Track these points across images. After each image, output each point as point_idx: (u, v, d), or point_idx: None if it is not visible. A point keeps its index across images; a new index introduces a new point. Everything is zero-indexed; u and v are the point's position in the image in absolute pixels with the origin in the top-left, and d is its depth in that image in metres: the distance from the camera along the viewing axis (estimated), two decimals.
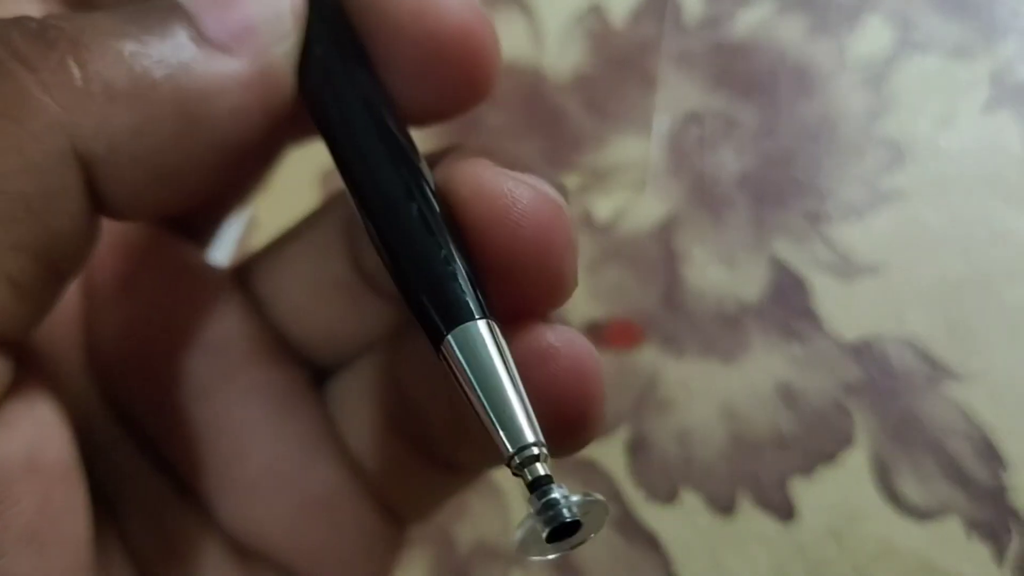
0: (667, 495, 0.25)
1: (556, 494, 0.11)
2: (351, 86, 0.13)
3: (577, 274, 0.12)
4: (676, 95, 0.31)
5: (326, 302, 0.16)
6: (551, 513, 0.10)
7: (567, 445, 0.12)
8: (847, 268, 0.27)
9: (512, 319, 0.12)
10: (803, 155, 0.29)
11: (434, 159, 0.13)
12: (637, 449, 0.26)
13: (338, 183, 0.13)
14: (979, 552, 0.23)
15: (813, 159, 0.29)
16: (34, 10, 0.15)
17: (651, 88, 0.32)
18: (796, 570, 0.24)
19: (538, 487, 0.11)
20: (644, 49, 0.32)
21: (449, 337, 0.11)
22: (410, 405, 0.15)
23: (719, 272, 0.28)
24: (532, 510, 0.11)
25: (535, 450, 0.11)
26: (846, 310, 0.26)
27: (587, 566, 0.25)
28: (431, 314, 0.11)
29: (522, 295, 0.12)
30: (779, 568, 0.24)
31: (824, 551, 0.24)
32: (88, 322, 0.16)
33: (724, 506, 0.25)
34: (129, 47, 0.12)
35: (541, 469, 0.11)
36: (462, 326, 0.11)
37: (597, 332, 0.27)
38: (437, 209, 0.12)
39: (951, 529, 0.23)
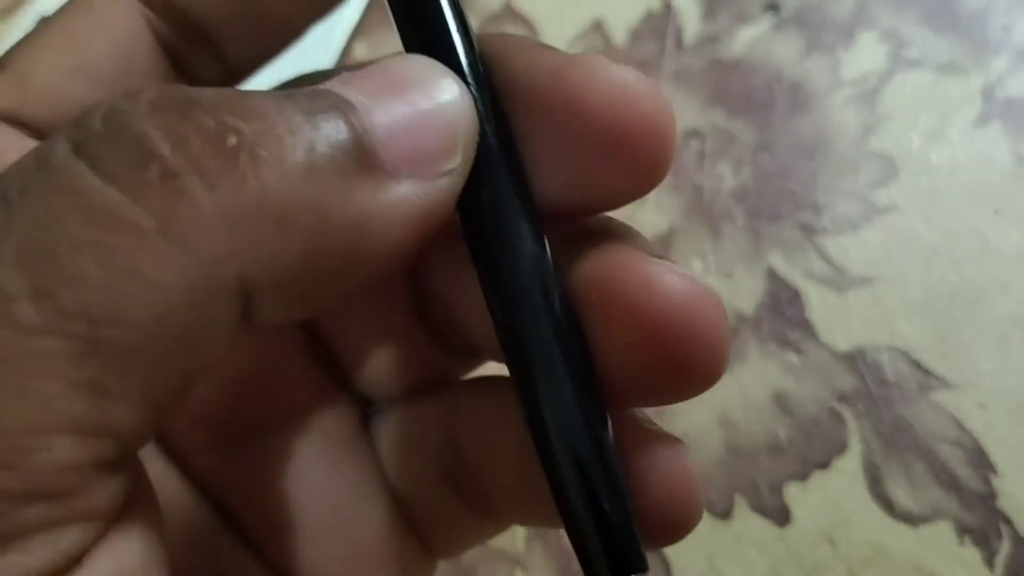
0: None
1: None
2: (513, 226, 0.12)
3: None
4: (676, 111, 0.32)
5: (385, 345, 0.16)
6: None
7: (669, 542, 0.13)
8: (841, 280, 0.28)
9: (649, 404, 0.13)
10: (799, 169, 0.30)
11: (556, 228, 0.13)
12: None
13: None
14: (970, 556, 0.24)
15: (808, 173, 0.30)
16: (131, 13, 0.14)
17: None
18: (791, 573, 0.24)
19: None
20: (645, 66, 0.33)
21: None
22: (464, 461, 0.15)
23: (717, 283, 0.29)
24: None
25: None
26: (840, 320, 0.27)
27: None
28: (594, 555, 0.12)
29: (676, 386, 0.12)
30: (774, 571, 0.24)
31: (818, 555, 0.24)
32: None
33: (722, 511, 0.25)
34: (305, 162, 0.10)
35: None
36: None
37: None
38: (602, 405, 0.12)
39: (943, 533, 0.24)
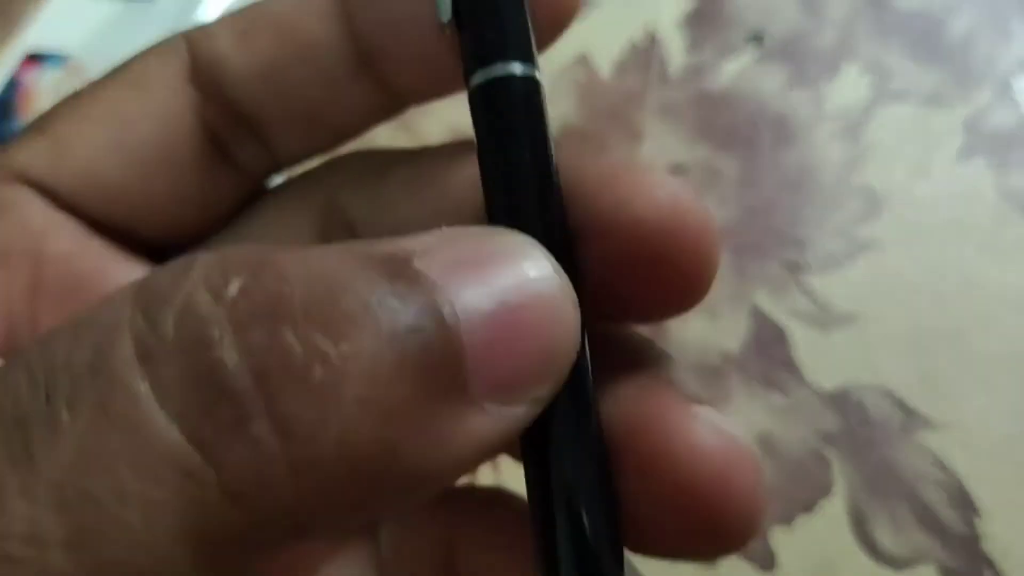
0: None
1: None
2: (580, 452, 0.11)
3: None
4: (661, 146, 0.32)
5: None
6: None
7: None
8: (825, 318, 0.28)
9: (671, 557, 0.12)
10: (783, 205, 0.30)
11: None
12: None
13: None
14: None
15: (793, 209, 0.30)
16: (180, 95, 0.14)
17: (637, 139, 0.33)
18: None
19: None
20: (630, 100, 0.33)
21: None
22: (459, 573, 0.15)
23: (702, 322, 0.29)
24: None
25: None
26: (824, 360, 0.27)
27: None
28: None
29: (703, 546, 0.12)
30: None
31: None
32: None
33: None
34: (390, 399, 0.09)
35: None
36: None
37: None
38: None
39: None
